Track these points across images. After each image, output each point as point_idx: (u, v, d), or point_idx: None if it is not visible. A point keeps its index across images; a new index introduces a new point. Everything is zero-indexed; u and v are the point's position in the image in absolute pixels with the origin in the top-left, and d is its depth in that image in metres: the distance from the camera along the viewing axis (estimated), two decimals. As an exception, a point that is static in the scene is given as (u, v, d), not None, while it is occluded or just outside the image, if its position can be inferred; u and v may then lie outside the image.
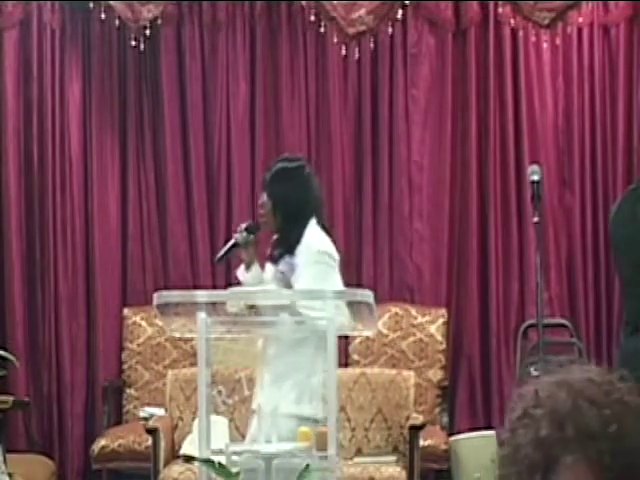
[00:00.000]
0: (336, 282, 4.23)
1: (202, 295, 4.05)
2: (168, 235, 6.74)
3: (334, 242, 4.40)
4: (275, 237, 4.41)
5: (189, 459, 5.45)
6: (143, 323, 6.56)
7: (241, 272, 4.47)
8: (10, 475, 5.00)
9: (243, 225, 4.48)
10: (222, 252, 4.51)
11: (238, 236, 4.43)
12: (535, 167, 4.98)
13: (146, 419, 5.97)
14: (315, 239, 4.29)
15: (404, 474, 5.51)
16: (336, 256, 4.33)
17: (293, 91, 6.76)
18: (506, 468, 1.50)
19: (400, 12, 6.69)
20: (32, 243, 6.69)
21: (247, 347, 5.51)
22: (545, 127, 6.65)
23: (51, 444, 6.62)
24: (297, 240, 4.28)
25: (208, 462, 3.72)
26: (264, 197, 4.38)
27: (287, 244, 4.32)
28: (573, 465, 1.42)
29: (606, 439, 1.43)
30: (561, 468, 1.43)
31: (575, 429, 1.44)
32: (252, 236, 4.43)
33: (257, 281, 4.39)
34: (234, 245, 4.44)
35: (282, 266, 4.29)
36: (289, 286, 4.23)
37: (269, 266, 4.39)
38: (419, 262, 6.70)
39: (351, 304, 3.91)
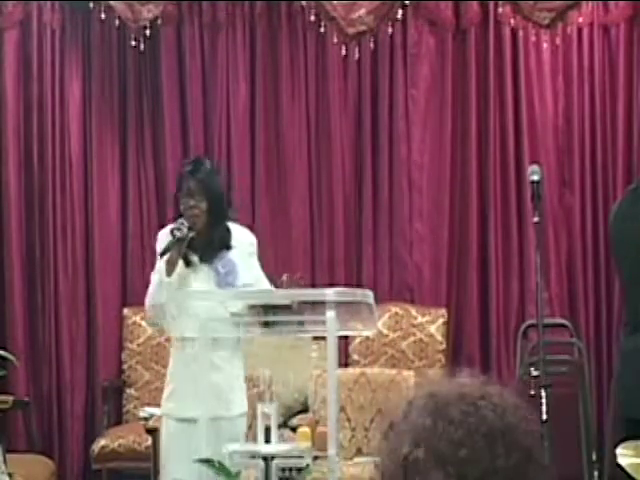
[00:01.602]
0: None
1: (202, 295, 4.06)
2: (168, 235, 6.74)
3: None
4: (191, 237, 4.38)
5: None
6: (143, 323, 6.56)
7: (160, 271, 4.43)
8: (10, 475, 5.00)
9: (185, 223, 4.40)
10: (167, 246, 4.39)
11: (184, 231, 4.38)
12: (535, 167, 4.97)
13: (146, 419, 5.96)
14: (240, 232, 4.56)
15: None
16: None
17: (293, 91, 6.76)
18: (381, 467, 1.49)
19: (400, 12, 6.69)
20: (32, 243, 6.69)
21: (247, 347, 5.50)
22: (545, 127, 6.65)
23: (51, 444, 6.62)
24: (229, 236, 4.47)
25: (208, 462, 3.73)
26: (195, 199, 4.41)
27: (221, 241, 4.46)
28: None
29: (455, 464, 1.41)
30: None
31: (428, 451, 1.42)
32: (190, 234, 4.40)
33: (182, 278, 4.40)
34: (178, 240, 4.37)
35: (221, 265, 4.37)
36: (230, 284, 4.34)
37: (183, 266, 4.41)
38: (419, 262, 6.70)
39: (351, 304, 3.92)
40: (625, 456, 3.42)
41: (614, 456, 3.47)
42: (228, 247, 4.47)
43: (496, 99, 6.66)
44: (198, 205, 4.41)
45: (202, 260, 4.45)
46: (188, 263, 4.42)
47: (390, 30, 6.70)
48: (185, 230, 4.36)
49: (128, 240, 6.77)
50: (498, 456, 1.44)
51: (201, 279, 4.42)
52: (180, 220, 4.41)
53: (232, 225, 4.56)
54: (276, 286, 4.55)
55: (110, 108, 6.78)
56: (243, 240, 4.55)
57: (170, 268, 4.36)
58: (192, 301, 4.27)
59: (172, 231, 4.38)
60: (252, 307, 4.17)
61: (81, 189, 6.76)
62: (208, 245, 4.45)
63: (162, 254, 4.37)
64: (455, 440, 1.43)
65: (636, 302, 4.19)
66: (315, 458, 4.32)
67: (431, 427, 1.44)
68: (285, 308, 4.00)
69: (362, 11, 6.66)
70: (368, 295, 3.89)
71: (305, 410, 6.25)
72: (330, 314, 3.76)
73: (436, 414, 1.45)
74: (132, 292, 6.72)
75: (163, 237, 4.51)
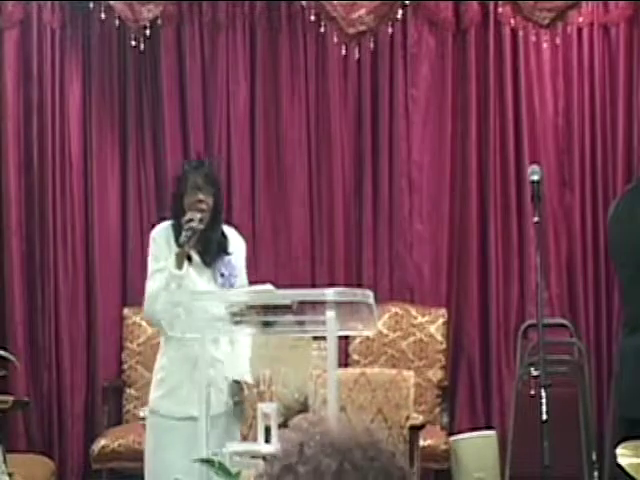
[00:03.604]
0: None
1: (202, 295, 4.06)
2: (168, 235, 6.74)
3: None
4: (188, 238, 4.34)
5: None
6: (143, 323, 6.56)
7: (169, 265, 4.38)
8: (10, 475, 5.00)
9: (198, 215, 4.37)
10: (185, 237, 4.33)
11: (197, 224, 4.34)
12: (535, 167, 4.97)
13: (146, 419, 5.96)
14: (234, 235, 4.57)
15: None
16: None
17: (293, 91, 6.76)
18: None
19: (400, 12, 6.69)
20: (32, 243, 6.69)
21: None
22: (545, 127, 6.65)
23: (51, 444, 6.62)
24: (227, 239, 4.48)
25: (208, 462, 3.73)
26: (203, 193, 4.40)
27: (221, 243, 4.46)
28: None
29: None
30: None
31: None
32: (200, 226, 4.37)
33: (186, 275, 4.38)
34: (194, 233, 4.34)
35: (222, 267, 4.38)
36: (232, 286, 4.37)
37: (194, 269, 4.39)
38: (419, 262, 6.70)
39: (351, 304, 3.92)
40: (625, 456, 3.43)
41: (614, 456, 3.47)
42: (227, 250, 4.48)
43: (496, 99, 6.66)
44: (206, 200, 4.40)
45: (202, 259, 4.45)
46: (190, 259, 4.42)
47: (390, 30, 6.70)
48: (197, 222, 4.33)
49: (128, 240, 6.77)
50: None
51: (204, 279, 4.42)
52: (189, 214, 4.36)
53: (225, 227, 4.58)
54: None
55: (110, 108, 6.78)
56: (239, 244, 4.57)
57: (181, 260, 4.34)
58: (197, 301, 4.26)
59: (186, 222, 4.32)
60: (252, 307, 4.17)
61: (81, 189, 6.75)
62: (208, 246, 4.44)
63: (181, 245, 4.32)
64: None
65: (635, 302, 4.19)
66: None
67: (337, 471, 1.42)
68: (285, 308, 3.99)
69: (362, 11, 6.66)
70: (368, 295, 3.89)
71: (305, 410, 6.25)
72: (330, 314, 3.75)
73: (341, 459, 1.43)
74: (132, 292, 6.71)
75: (160, 236, 4.49)
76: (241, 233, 4.73)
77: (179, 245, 4.35)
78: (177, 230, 4.43)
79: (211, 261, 4.43)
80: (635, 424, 3.97)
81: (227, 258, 4.45)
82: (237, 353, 4.47)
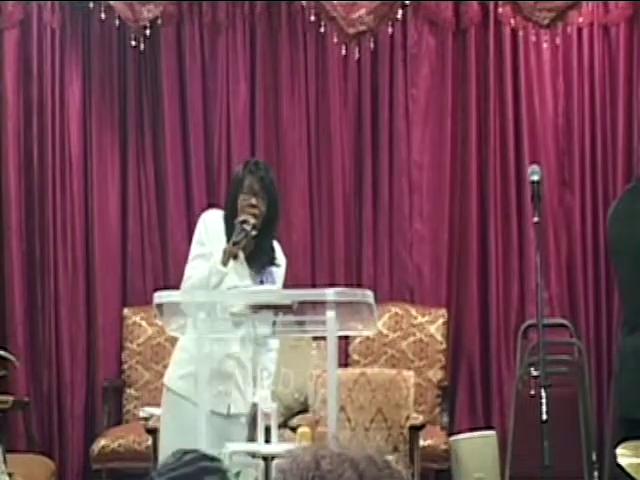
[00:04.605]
0: None
1: (201, 295, 4.05)
2: (168, 235, 6.74)
3: None
4: (241, 239, 4.27)
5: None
6: (143, 323, 6.56)
7: (216, 259, 4.28)
8: (10, 475, 5.00)
9: (252, 220, 4.28)
10: (239, 237, 4.24)
11: (250, 229, 4.25)
12: (535, 167, 4.97)
13: (146, 419, 5.97)
14: (279, 249, 4.46)
15: (404, 474, 5.49)
16: None
17: (293, 91, 6.76)
18: None
19: (400, 12, 6.69)
20: (32, 243, 6.69)
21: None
22: (545, 127, 6.65)
23: (51, 444, 6.62)
24: (274, 250, 4.40)
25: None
26: (257, 198, 4.31)
27: (270, 253, 4.38)
28: None
29: None
30: None
31: None
32: (253, 231, 4.29)
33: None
34: (246, 235, 4.26)
35: (264, 276, 4.33)
36: None
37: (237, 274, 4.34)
38: (419, 262, 6.70)
39: (351, 304, 3.92)
40: (625, 456, 3.43)
41: (614, 456, 3.48)
42: (274, 263, 4.39)
43: (496, 99, 6.66)
44: (259, 205, 4.31)
45: (249, 264, 4.36)
46: (235, 257, 4.33)
47: (390, 30, 6.70)
48: (251, 226, 4.24)
49: (128, 240, 6.77)
50: None
51: (243, 280, 4.33)
52: (244, 215, 4.26)
53: (275, 242, 4.48)
54: None
55: (110, 108, 6.78)
56: (283, 260, 4.47)
57: (228, 258, 4.23)
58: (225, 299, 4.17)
59: (242, 222, 4.23)
60: (252, 307, 4.16)
61: (81, 189, 6.75)
62: (258, 252, 4.33)
63: (234, 244, 4.21)
64: None
65: (634, 302, 4.19)
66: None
67: None
68: (285, 308, 3.99)
69: (362, 11, 6.66)
70: (368, 295, 3.89)
71: (305, 410, 6.25)
72: (330, 314, 3.75)
73: (360, 476, 1.45)
74: (132, 292, 6.72)
75: (213, 221, 4.37)
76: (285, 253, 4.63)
77: (233, 243, 4.23)
78: (229, 225, 4.32)
79: (258, 268, 4.34)
80: (635, 424, 3.97)
81: (271, 269, 4.36)
82: (262, 378, 4.33)
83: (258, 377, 4.19)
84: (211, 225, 4.39)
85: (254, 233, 4.27)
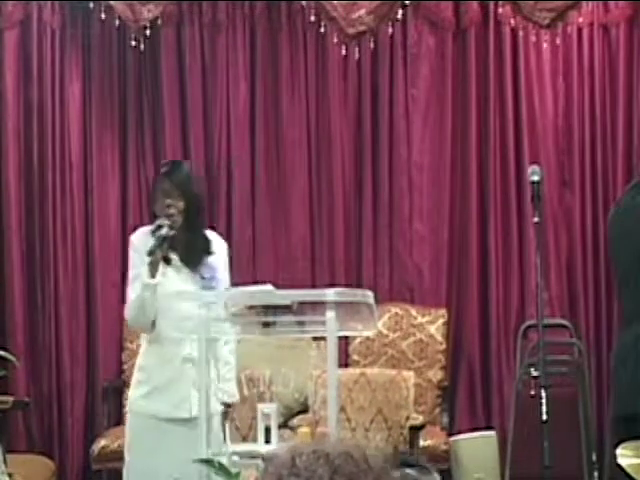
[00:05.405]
0: None
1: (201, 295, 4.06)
2: (168, 235, 6.73)
3: None
4: (172, 235, 4.30)
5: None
6: (143, 323, 6.55)
7: (143, 274, 4.33)
8: (10, 475, 4.99)
9: (166, 221, 4.31)
10: (153, 246, 4.26)
11: (166, 229, 4.28)
12: (535, 167, 4.98)
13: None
14: (216, 238, 4.51)
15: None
16: None
17: (293, 91, 6.76)
18: None
19: (400, 12, 6.69)
20: (32, 243, 6.69)
21: (248, 348, 5.51)
22: (545, 127, 6.65)
23: (51, 444, 6.62)
24: (209, 241, 4.43)
25: (208, 462, 3.73)
26: (171, 198, 4.34)
27: (203, 246, 4.41)
28: None
29: None
30: None
31: None
32: (171, 232, 4.31)
33: (163, 277, 4.34)
34: (163, 239, 4.27)
35: (205, 270, 4.35)
36: (214, 289, 4.32)
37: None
38: (419, 262, 6.70)
39: (351, 304, 3.92)
40: (625, 456, 3.42)
41: (614, 456, 3.47)
42: (209, 252, 4.43)
43: (496, 99, 6.66)
44: (174, 204, 4.34)
45: (184, 262, 4.39)
46: (168, 261, 4.37)
47: (390, 30, 6.70)
48: (167, 229, 4.27)
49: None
50: None
51: (184, 280, 4.37)
52: (159, 220, 4.31)
53: (207, 231, 4.54)
54: None
55: (110, 108, 6.78)
56: (221, 247, 4.52)
57: (154, 269, 4.28)
58: (180, 302, 4.23)
59: (153, 231, 4.28)
60: (252, 307, 4.16)
61: (81, 189, 6.75)
62: (189, 248, 4.38)
63: (150, 254, 4.25)
64: None
65: (631, 296, 4.18)
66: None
67: None
68: (285, 308, 3.99)
69: (362, 11, 6.66)
70: (368, 295, 3.89)
71: (305, 410, 6.25)
72: (330, 314, 3.75)
73: (334, 472, 1.44)
74: (132, 292, 6.71)
75: (139, 241, 4.44)
76: (230, 238, 4.68)
77: (149, 254, 4.27)
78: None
79: (194, 263, 4.38)
80: (629, 420, 3.96)
81: (208, 261, 4.40)
82: (224, 372, 4.40)
83: (220, 372, 4.28)
84: (137, 245, 4.45)
85: (172, 233, 4.30)
